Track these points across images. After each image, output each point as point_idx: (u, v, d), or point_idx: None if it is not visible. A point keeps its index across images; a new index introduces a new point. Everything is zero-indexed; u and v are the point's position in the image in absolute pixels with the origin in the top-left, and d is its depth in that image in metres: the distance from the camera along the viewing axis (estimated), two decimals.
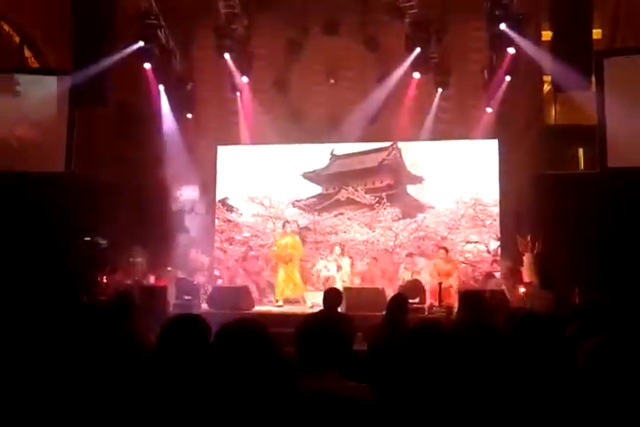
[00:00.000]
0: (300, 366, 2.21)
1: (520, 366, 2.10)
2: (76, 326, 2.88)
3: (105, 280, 8.82)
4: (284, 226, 10.38)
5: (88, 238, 8.95)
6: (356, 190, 11.30)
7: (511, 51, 9.33)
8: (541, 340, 2.10)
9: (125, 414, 2.01)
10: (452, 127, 10.81)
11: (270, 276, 10.46)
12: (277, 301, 9.70)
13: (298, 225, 11.08)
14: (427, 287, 8.82)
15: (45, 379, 2.21)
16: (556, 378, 1.99)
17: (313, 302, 9.06)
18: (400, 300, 4.85)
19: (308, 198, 11.44)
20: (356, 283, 9.80)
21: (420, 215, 11.00)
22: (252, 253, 11.01)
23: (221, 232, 11.57)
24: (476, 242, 10.75)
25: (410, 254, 10.10)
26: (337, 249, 10.06)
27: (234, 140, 11.52)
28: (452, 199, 10.90)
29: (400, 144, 11.19)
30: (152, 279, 9.59)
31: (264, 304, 9.95)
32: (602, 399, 1.82)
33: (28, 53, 10.34)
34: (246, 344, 1.99)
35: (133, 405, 2.03)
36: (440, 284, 8.77)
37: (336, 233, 10.58)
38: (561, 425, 1.85)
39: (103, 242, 9.07)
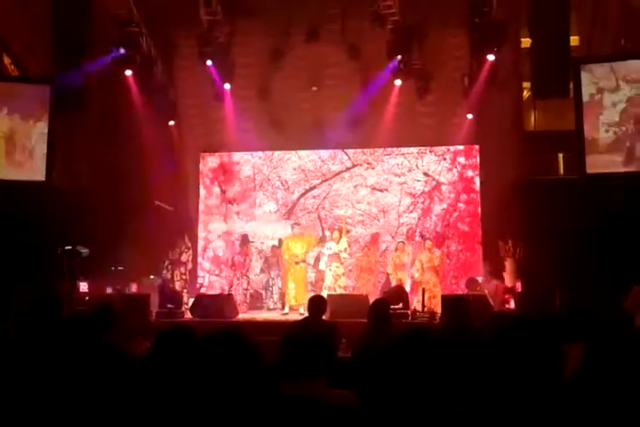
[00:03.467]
0: (285, 373, 2.21)
1: (505, 370, 2.11)
2: (56, 337, 2.85)
3: (86, 289, 8.72)
4: (292, 228, 10.37)
5: (69, 247, 8.85)
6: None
7: (491, 58, 9.44)
8: (528, 343, 2.11)
9: (111, 424, 2.00)
10: (433, 133, 10.89)
11: (281, 278, 10.39)
12: (284, 308, 9.69)
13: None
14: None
15: (30, 390, 2.18)
16: (543, 384, 2.00)
17: None
18: (380, 305, 4.84)
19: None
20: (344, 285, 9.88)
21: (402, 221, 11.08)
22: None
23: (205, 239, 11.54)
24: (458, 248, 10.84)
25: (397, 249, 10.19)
26: (335, 233, 10.11)
27: (216, 147, 11.51)
28: (434, 205, 10.99)
29: (382, 150, 11.28)
30: (134, 288, 9.50)
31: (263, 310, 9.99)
32: (591, 405, 1.83)
33: (7, 61, 10.23)
34: (228, 353, 1.99)
35: (118, 415, 2.01)
36: (423, 289, 8.83)
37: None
38: None
39: (84, 251, 8.97)
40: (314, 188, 11.45)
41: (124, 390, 2.16)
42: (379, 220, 11.16)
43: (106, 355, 2.61)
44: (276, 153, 11.56)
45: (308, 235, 10.45)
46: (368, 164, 11.35)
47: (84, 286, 8.67)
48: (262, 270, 10.74)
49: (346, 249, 9.87)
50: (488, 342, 2.37)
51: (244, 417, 1.88)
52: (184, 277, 10.17)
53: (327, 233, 10.65)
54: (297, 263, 9.81)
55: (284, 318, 9.07)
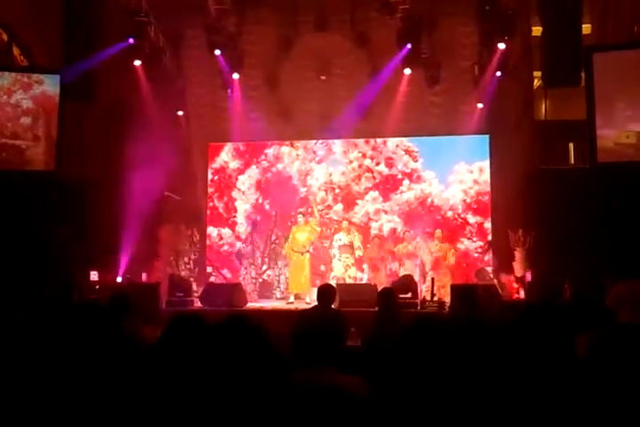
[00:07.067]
0: (295, 361, 2.22)
1: (516, 357, 2.11)
2: (70, 325, 2.87)
3: (96, 278, 8.78)
4: (298, 218, 10.36)
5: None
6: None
7: (501, 46, 9.36)
8: (540, 331, 2.11)
9: (124, 410, 2.02)
10: (443, 123, 10.83)
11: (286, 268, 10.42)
12: (289, 297, 9.73)
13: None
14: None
15: (43, 379, 2.20)
16: (555, 371, 2.00)
17: (313, 298, 9.10)
18: (387, 293, 4.86)
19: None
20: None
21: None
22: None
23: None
24: (468, 237, 10.81)
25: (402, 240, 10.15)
26: (345, 223, 10.07)
27: (225, 137, 11.51)
28: (444, 194, 10.95)
29: (391, 140, 11.24)
30: (144, 276, 9.56)
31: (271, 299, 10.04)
32: (603, 392, 1.83)
33: (16, 51, 10.25)
34: (239, 339, 2.00)
35: (131, 401, 2.03)
36: (433, 279, 8.82)
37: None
38: (561, 419, 1.86)
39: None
40: (320, 177, 11.43)
41: (139, 377, 2.18)
42: (386, 210, 11.14)
43: (121, 342, 2.63)
44: (285, 142, 11.54)
45: (312, 225, 10.41)
46: (377, 153, 11.31)
47: (94, 275, 8.74)
48: (269, 260, 10.77)
49: (356, 243, 9.89)
50: (499, 331, 2.37)
51: (253, 404, 1.89)
52: (188, 266, 10.21)
53: (344, 224, 10.53)
54: (302, 254, 9.81)
55: (290, 306, 9.10)
